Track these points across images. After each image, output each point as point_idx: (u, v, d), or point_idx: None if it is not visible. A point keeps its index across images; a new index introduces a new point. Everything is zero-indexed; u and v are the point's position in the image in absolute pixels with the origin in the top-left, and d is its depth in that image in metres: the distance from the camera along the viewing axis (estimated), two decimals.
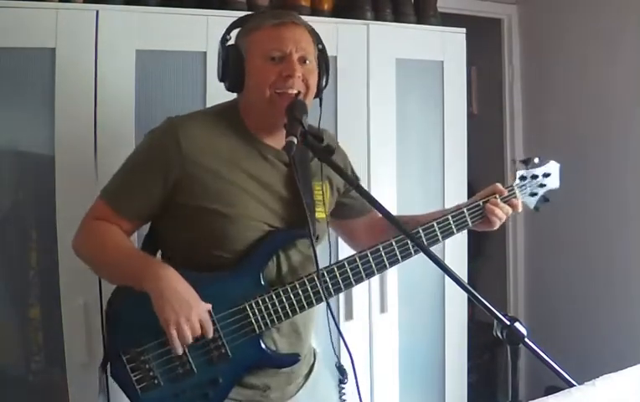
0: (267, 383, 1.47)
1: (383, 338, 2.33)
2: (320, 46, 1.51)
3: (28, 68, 1.83)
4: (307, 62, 1.44)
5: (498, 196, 1.59)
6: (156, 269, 1.36)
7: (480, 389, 3.12)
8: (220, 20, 2.00)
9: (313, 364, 1.62)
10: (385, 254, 1.47)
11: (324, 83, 1.52)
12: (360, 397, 1.45)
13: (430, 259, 1.25)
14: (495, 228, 1.60)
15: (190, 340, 1.32)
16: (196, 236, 1.42)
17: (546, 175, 1.67)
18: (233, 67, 1.45)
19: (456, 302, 2.52)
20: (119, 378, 1.39)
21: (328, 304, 1.41)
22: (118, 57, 1.90)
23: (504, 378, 3.25)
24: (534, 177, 1.65)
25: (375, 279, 2.28)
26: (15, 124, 1.83)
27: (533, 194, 1.67)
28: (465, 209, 1.57)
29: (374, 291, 2.30)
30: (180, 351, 1.33)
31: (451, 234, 1.55)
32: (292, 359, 1.48)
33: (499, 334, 1.13)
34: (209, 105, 1.99)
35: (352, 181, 1.40)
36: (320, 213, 1.51)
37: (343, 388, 1.53)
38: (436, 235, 1.53)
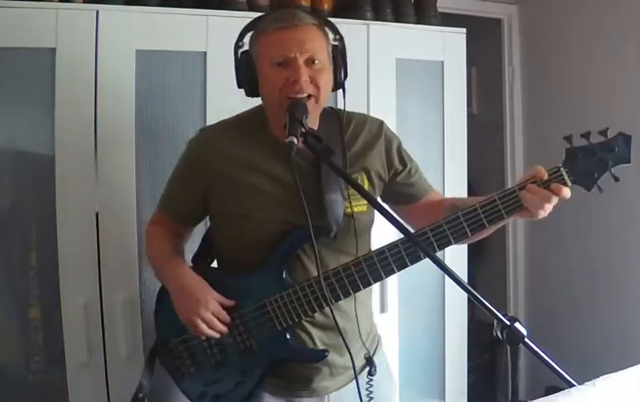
0: (303, 376, 1.51)
1: (383, 338, 2.32)
2: (337, 36, 1.52)
3: (28, 68, 1.83)
4: (316, 62, 1.42)
5: (539, 182, 1.35)
6: (173, 270, 1.51)
7: (480, 389, 3.12)
8: (220, 20, 2.02)
9: (372, 355, 1.59)
10: (408, 249, 1.41)
11: (342, 75, 1.53)
12: (360, 397, 1.45)
13: (431, 259, 1.25)
14: (539, 217, 1.37)
15: (207, 332, 1.43)
16: (227, 239, 1.54)
17: (609, 150, 1.36)
18: (246, 74, 1.49)
19: (456, 302, 2.52)
20: (165, 364, 1.57)
21: (330, 307, 1.40)
22: (118, 57, 1.90)
23: (504, 378, 3.25)
24: (591, 152, 1.36)
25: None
26: (15, 124, 1.84)
27: (589, 173, 1.37)
28: (497, 198, 1.37)
29: (374, 291, 2.28)
30: (202, 338, 1.46)
31: (482, 227, 1.38)
32: (320, 355, 1.49)
33: (499, 334, 1.13)
34: (209, 105, 2.00)
35: (351, 180, 1.39)
36: (360, 207, 1.50)
37: (371, 379, 1.53)
38: (463, 228, 1.38)
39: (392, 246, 1.41)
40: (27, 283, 1.87)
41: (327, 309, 1.44)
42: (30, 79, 1.84)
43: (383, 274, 1.43)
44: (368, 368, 1.55)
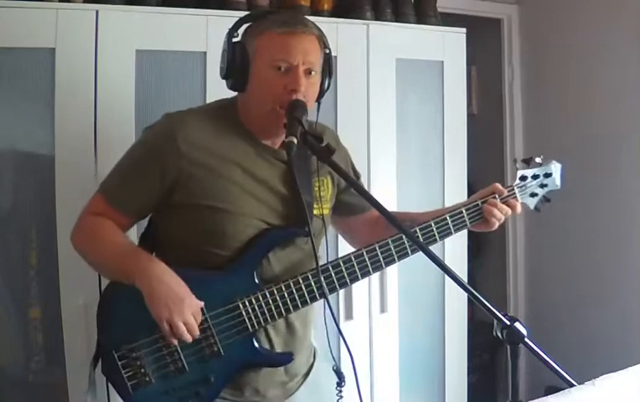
0: (259, 382, 1.47)
1: (383, 338, 2.33)
2: (327, 50, 1.49)
3: (28, 68, 1.83)
4: (313, 73, 1.42)
5: (497, 196, 1.58)
6: (147, 264, 1.36)
7: (480, 388, 3.12)
8: (220, 20, 2.01)
9: (313, 363, 1.62)
10: (382, 253, 1.47)
11: (326, 86, 1.50)
12: (360, 397, 1.44)
13: (430, 259, 1.25)
14: (493, 228, 1.59)
15: (185, 335, 1.33)
16: (193, 234, 1.42)
17: (547, 175, 1.65)
18: (238, 68, 1.43)
19: (456, 302, 2.52)
20: (110, 374, 1.40)
21: (329, 304, 1.41)
22: (118, 57, 1.90)
23: (504, 378, 3.25)
24: (535, 177, 1.64)
25: (375, 279, 2.28)
26: (15, 124, 1.84)
27: (533, 195, 1.66)
28: (463, 209, 1.56)
29: (374, 291, 2.30)
30: (175, 343, 1.34)
31: (449, 234, 1.54)
32: (286, 358, 1.47)
33: (499, 334, 1.13)
34: None
35: (353, 182, 1.40)
36: (318, 210, 1.51)
37: (341, 391, 1.53)
38: (434, 235, 1.52)
39: (370, 249, 1.47)
40: (27, 283, 1.87)
41: (290, 313, 1.44)
42: (30, 79, 1.84)
43: (371, 269, 1.48)
44: (337, 381, 1.53)
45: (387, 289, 2.31)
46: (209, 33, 2.00)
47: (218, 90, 1.97)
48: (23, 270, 1.87)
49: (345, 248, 1.74)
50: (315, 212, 1.49)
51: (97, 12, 1.87)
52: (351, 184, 1.38)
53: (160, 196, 1.42)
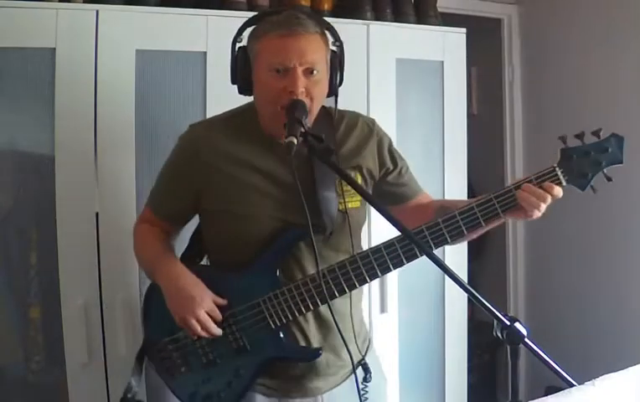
0: (296, 376, 1.50)
1: (383, 338, 2.33)
2: (337, 43, 1.50)
3: (28, 68, 1.83)
4: (315, 72, 1.41)
5: (534, 179, 1.38)
6: (165, 267, 1.48)
7: (480, 388, 3.12)
8: (220, 20, 2.02)
9: (364, 357, 1.59)
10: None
11: (337, 81, 1.52)
12: (360, 397, 1.45)
13: (431, 259, 1.25)
14: (533, 217, 1.39)
15: (200, 332, 1.41)
16: (220, 238, 1.52)
17: (602, 150, 1.40)
18: (241, 73, 1.48)
19: (456, 302, 2.52)
20: (154, 364, 1.54)
21: (329, 304, 1.40)
22: (118, 57, 1.90)
23: (504, 378, 3.25)
24: (585, 153, 1.39)
25: (375, 279, 2.28)
26: (15, 124, 1.84)
27: (583, 174, 1.40)
28: (494, 197, 1.39)
29: (374, 291, 2.30)
30: (196, 336, 1.43)
31: (479, 225, 1.39)
32: (313, 354, 1.48)
33: (499, 334, 1.13)
34: (209, 104, 2.00)
35: (352, 181, 1.39)
36: (354, 203, 1.51)
37: (366, 386, 1.53)
38: (460, 227, 1.38)
39: (389, 244, 1.42)
40: (27, 283, 1.87)
41: (321, 307, 1.44)
42: (30, 79, 1.84)
43: (379, 271, 1.43)
44: (363, 375, 1.55)
45: (387, 289, 2.31)
46: (209, 33, 2.00)
47: (218, 89, 1.99)
48: (23, 270, 1.87)
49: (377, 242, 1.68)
50: (350, 205, 1.50)
51: (97, 12, 1.87)
52: (349, 183, 1.38)
53: (192, 204, 1.53)
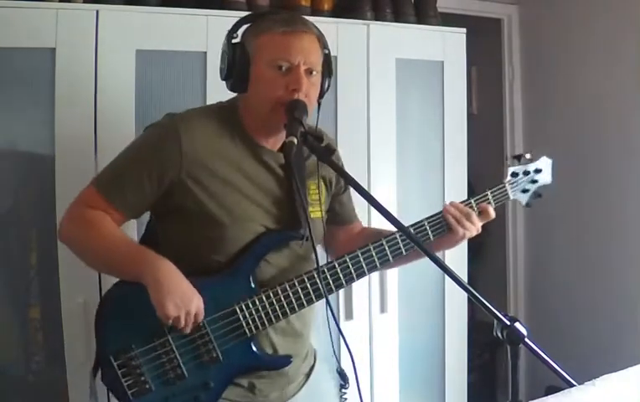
0: (259, 383, 1.47)
1: (383, 338, 2.33)
2: (326, 50, 1.48)
3: (28, 68, 1.83)
4: (314, 73, 1.41)
5: (472, 201, 1.57)
6: (154, 260, 1.34)
7: (480, 388, 3.12)
8: (220, 20, 2.01)
9: (314, 365, 1.62)
10: (376, 253, 1.47)
11: (326, 86, 1.50)
12: (361, 397, 1.44)
13: (430, 259, 1.25)
14: (459, 236, 1.52)
15: (188, 331, 1.33)
16: (192, 238, 1.41)
17: (538, 170, 1.65)
18: (238, 68, 1.42)
19: (456, 302, 2.52)
20: (110, 383, 1.38)
21: (329, 304, 1.41)
22: (118, 57, 1.90)
23: (504, 378, 3.25)
24: (526, 173, 1.64)
25: (375, 279, 2.28)
26: (15, 124, 1.84)
27: (525, 190, 1.66)
28: (425, 222, 1.52)
29: (374, 291, 2.30)
30: (160, 350, 1.36)
31: (412, 247, 1.46)
32: (284, 361, 1.47)
33: (499, 334, 1.13)
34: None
35: (354, 183, 1.39)
36: (316, 213, 1.51)
37: (345, 393, 1.53)
38: (399, 248, 1.48)
39: (365, 250, 1.47)
40: (27, 283, 1.87)
41: (289, 315, 1.43)
42: (30, 79, 1.84)
43: (355, 276, 1.47)
44: (341, 383, 1.56)
45: (387, 289, 2.31)
46: (209, 33, 2.00)
47: (218, 90, 1.97)
48: (23, 270, 1.87)
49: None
50: (313, 215, 1.49)
51: (97, 12, 1.87)
52: (353, 186, 1.37)
53: (156, 197, 1.41)
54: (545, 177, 1.67)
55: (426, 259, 1.26)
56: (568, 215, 2.93)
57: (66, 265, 1.84)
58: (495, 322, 1.14)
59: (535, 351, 1.12)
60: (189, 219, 1.41)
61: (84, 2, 1.89)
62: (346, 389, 1.55)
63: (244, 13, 2.02)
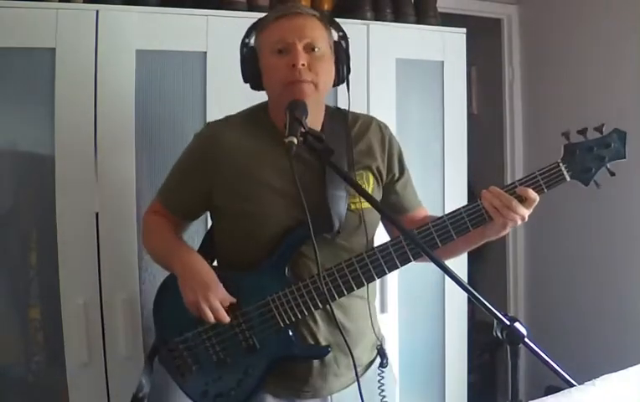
0: (307, 375, 1.49)
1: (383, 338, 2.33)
2: (340, 33, 1.53)
3: (28, 68, 1.83)
4: (316, 49, 1.44)
5: (538, 175, 1.40)
6: (182, 253, 1.49)
7: (480, 388, 3.12)
8: (220, 20, 2.02)
9: (374, 360, 1.59)
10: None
11: (345, 70, 1.54)
12: (361, 397, 1.44)
13: (431, 259, 1.25)
14: (499, 227, 1.42)
15: (211, 319, 1.40)
16: (231, 235, 1.52)
17: (606, 145, 1.42)
18: (249, 67, 1.51)
19: (456, 302, 2.52)
20: (165, 364, 1.54)
21: (330, 304, 1.41)
22: (118, 57, 1.90)
23: (504, 378, 3.24)
24: (589, 149, 1.41)
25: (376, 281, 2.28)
26: (15, 124, 1.84)
27: (586, 170, 1.42)
28: (463, 210, 1.43)
29: None
30: (204, 337, 1.47)
31: (450, 237, 1.42)
32: (322, 351, 1.48)
33: (499, 334, 1.13)
34: (209, 104, 2.00)
35: (354, 182, 1.39)
36: (355, 204, 1.49)
37: (383, 371, 1.53)
38: (433, 239, 1.42)
39: (396, 242, 1.44)
40: (27, 283, 1.87)
41: (332, 306, 1.43)
42: (30, 79, 1.84)
43: (386, 269, 1.44)
44: (379, 361, 1.57)
45: (387, 289, 2.31)
46: (209, 33, 2.00)
47: (218, 89, 1.99)
48: (23, 270, 1.87)
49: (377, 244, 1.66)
50: (352, 206, 1.49)
51: (97, 12, 1.87)
52: (350, 184, 1.38)
53: (203, 200, 1.53)
54: (618, 152, 1.42)
55: (426, 259, 1.26)
56: (568, 215, 2.93)
57: (66, 265, 1.84)
58: (495, 322, 1.14)
59: (535, 351, 1.12)
60: (227, 217, 1.52)
61: (84, 2, 1.89)
62: (384, 367, 1.55)
63: (243, 13, 2.03)
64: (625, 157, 1.42)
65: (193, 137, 1.58)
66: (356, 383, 1.46)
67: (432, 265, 1.24)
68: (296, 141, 1.31)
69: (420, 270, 2.23)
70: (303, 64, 1.42)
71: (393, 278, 2.31)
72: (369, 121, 1.62)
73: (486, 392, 3.28)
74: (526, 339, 1.11)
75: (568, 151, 1.42)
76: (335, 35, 1.54)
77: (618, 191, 2.75)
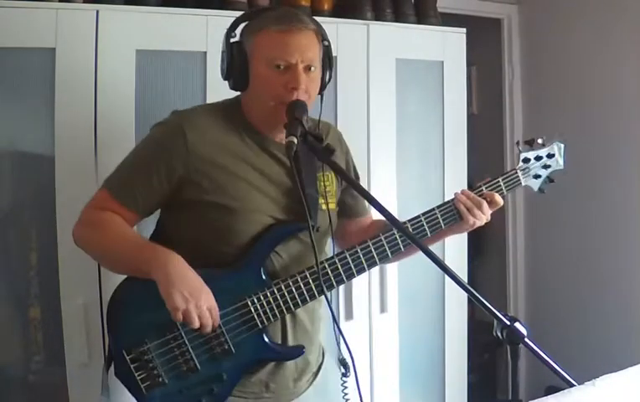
0: (270, 379, 1.47)
1: (383, 338, 2.33)
2: (326, 42, 1.49)
3: (28, 68, 1.83)
4: (312, 69, 1.42)
5: (483, 186, 1.59)
6: (164, 255, 1.35)
7: (480, 388, 3.12)
8: (220, 20, 2.00)
9: (322, 363, 1.62)
10: (380, 246, 1.47)
11: (327, 79, 1.51)
12: (361, 397, 1.44)
13: (430, 258, 1.25)
14: (469, 223, 1.54)
15: (197, 326, 1.32)
16: (202, 232, 1.43)
17: (550, 156, 1.64)
18: (237, 67, 1.44)
19: (456, 302, 2.52)
20: (123, 377, 1.39)
21: (327, 298, 1.42)
22: (118, 57, 1.90)
23: (504, 378, 3.25)
24: (538, 158, 1.63)
25: (375, 279, 2.28)
26: (15, 124, 1.84)
27: (537, 176, 1.64)
28: (437, 210, 1.54)
29: (374, 291, 2.30)
30: (173, 343, 1.36)
31: (424, 235, 1.51)
32: (296, 352, 1.48)
33: (499, 334, 1.13)
34: None
35: (353, 181, 1.40)
36: (330, 204, 1.51)
37: (346, 381, 1.53)
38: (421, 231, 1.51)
39: (376, 240, 1.47)
40: (27, 283, 1.87)
41: (299, 307, 1.44)
42: (30, 79, 1.84)
43: (366, 266, 1.47)
44: (342, 371, 1.56)
45: (387, 289, 2.31)
46: (209, 33, 2.00)
47: (218, 89, 1.97)
48: (23, 270, 1.87)
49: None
50: (324, 207, 1.50)
51: (97, 12, 1.87)
52: (351, 184, 1.38)
53: (166, 194, 1.42)
54: (557, 163, 1.65)
55: (427, 259, 1.26)
56: (568, 215, 2.93)
57: (66, 265, 1.84)
58: (495, 322, 1.14)
59: (535, 351, 1.12)
60: (199, 212, 1.42)
61: (84, 2, 1.89)
62: (347, 377, 1.55)
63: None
64: (563, 167, 1.65)
65: (155, 126, 1.47)
66: (309, 390, 1.51)
67: (432, 265, 1.24)
68: (296, 140, 1.31)
69: (420, 271, 2.25)
70: (303, 88, 1.39)
71: (393, 278, 2.31)
72: (327, 126, 1.62)
73: (486, 392, 3.28)
74: (526, 339, 1.11)
75: (523, 159, 1.63)
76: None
77: (619, 191, 2.76)
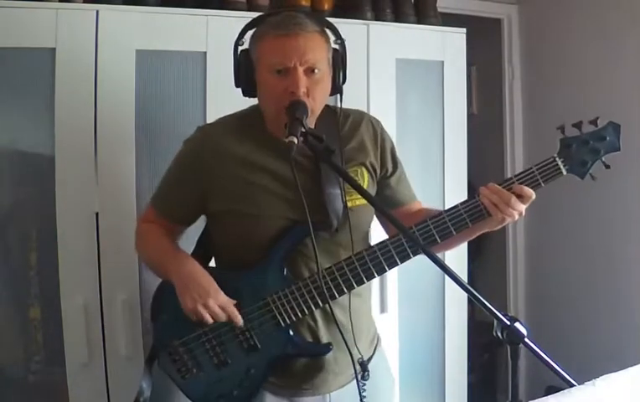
0: (307, 373, 1.51)
1: (383, 338, 2.32)
2: (339, 41, 1.51)
3: (28, 68, 1.83)
4: (316, 71, 1.43)
5: (535, 170, 1.41)
6: (180, 261, 1.49)
7: (480, 388, 3.12)
8: (220, 20, 2.02)
9: (372, 357, 1.60)
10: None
11: (339, 79, 1.53)
12: (361, 397, 1.45)
13: (430, 258, 1.25)
14: (497, 220, 1.41)
15: (210, 322, 1.41)
16: (228, 238, 1.53)
17: (600, 138, 1.44)
18: (244, 75, 1.50)
19: (456, 302, 2.52)
20: (164, 368, 1.53)
21: (329, 304, 1.42)
22: (118, 57, 1.90)
23: (504, 378, 3.24)
24: (584, 142, 1.42)
25: (375, 279, 2.27)
26: (15, 124, 1.84)
27: (583, 163, 1.43)
28: (460, 206, 1.44)
29: (374, 291, 2.28)
30: (204, 338, 1.46)
31: (449, 234, 1.43)
32: (324, 349, 1.49)
33: (499, 334, 1.13)
34: (209, 104, 2.00)
35: (351, 180, 1.39)
36: (354, 201, 1.50)
37: (364, 384, 1.52)
38: (432, 235, 1.43)
39: (395, 240, 1.44)
40: (27, 283, 1.87)
41: (331, 305, 1.43)
42: (30, 79, 1.84)
43: (386, 266, 1.45)
44: (361, 373, 1.53)
45: (387, 289, 2.31)
46: (209, 33, 2.00)
47: (218, 89, 1.99)
48: (23, 270, 1.87)
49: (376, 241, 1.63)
50: (350, 204, 1.49)
51: (97, 12, 1.87)
52: (351, 184, 1.38)
53: (197, 205, 1.54)
54: (613, 145, 1.44)
55: (426, 259, 1.26)
56: (569, 215, 2.93)
57: (66, 265, 1.84)
58: (495, 322, 1.14)
59: (535, 351, 1.12)
60: (223, 220, 1.52)
61: (84, 2, 1.89)
62: (366, 380, 1.52)
63: (243, 13, 2.03)
64: (620, 149, 1.43)
65: (183, 143, 1.57)
66: (354, 382, 1.47)
67: (432, 265, 1.24)
68: (296, 140, 1.31)
69: (420, 270, 2.24)
70: (304, 91, 1.40)
71: (393, 278, 2.31)
72: (360, 117, 1.61)
73: (486, 392, 3.28)
74: (526, 339, 1.11)
75: (564, 145, 1.43)
76: (332, 40, 1.52)
77: (618, 189, 2.75)
